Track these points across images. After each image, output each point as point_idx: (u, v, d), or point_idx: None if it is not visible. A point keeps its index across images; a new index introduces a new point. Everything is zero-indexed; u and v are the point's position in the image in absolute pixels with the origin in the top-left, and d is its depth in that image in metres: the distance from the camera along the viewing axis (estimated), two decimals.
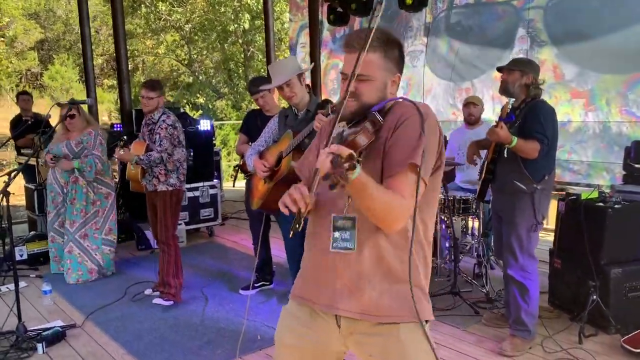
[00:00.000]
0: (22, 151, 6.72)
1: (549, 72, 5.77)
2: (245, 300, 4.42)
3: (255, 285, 4.58)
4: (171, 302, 4.31)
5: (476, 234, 4.85)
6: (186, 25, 16.91)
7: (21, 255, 5.38)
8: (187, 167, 6.11)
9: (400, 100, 1.69)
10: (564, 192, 4.02)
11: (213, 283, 4.84)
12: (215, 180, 6.49)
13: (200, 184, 6.28)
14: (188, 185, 6.13)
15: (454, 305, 4.08)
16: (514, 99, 3.33)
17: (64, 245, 4.97)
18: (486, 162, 3.51)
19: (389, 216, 1.55)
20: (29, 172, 6.63)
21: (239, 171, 4.88)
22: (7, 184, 3.69)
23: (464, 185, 4.88)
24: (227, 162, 12.81)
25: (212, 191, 6.37)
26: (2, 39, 20.07)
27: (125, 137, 4.38)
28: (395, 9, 7.00)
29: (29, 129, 6.56)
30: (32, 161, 6.42)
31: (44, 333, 3.69)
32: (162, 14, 16.89)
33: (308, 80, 4.87)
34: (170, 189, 4.26)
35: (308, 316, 1.77)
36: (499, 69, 3.52)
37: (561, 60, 5.71)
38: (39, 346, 3.53)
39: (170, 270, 4.34)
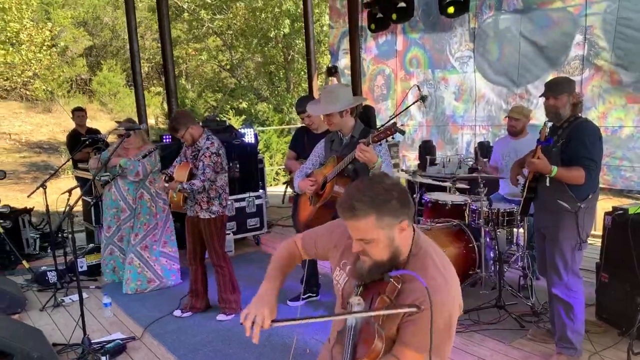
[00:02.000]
0: (78, 165, 7.06)
1: (606, 77, 5.71)
2: (293, 312, 4.57)
3: (303, 297, 4.72)
4: (233, 315, 4.48)
5: (521, 243, 4.86)
6: (228, 31, 17.24)
7: (81, 267, 5.70)
8: (234, 178, 6.40)
9: (411, 274, 1.65)
10: (612, 207, 3.97)
11: None
12: (260, 191, 6.67)
13: (247, 194, 6.47)
14: (235, 197, 6.36)
15: (499, 319, 4.11)
16: (551, 122, 3.33)
17: (126, 257, 5.25)
18: (527, 180, 3.53)
19: None
20: (84, 184, 6.97)
21: (288, 187, 5.03)
22: (71, 207, 3.95)
23: (508, 197, 4.89)
24: (270, 167, 13.07)
25: (257, 201, 6.56)
26: (54, 48, 20.90)
27: (170, 171, 4.45)
28: (437, 14, 7.03)
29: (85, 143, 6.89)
30: (88, 175, 6.77)
31: (107, 346, 3.93)
32: (205, 21, 17.27)
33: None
34: (214, 216, 4.36)
35: None
36: (544, 96, 3.49)
37: (619, 66, 5.63)
38: (103, 359, 3.78)
39: (227, 288, 4.52)
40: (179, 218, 6.53)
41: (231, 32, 17.46)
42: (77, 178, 7.21)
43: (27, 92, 21.75)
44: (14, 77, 19.31)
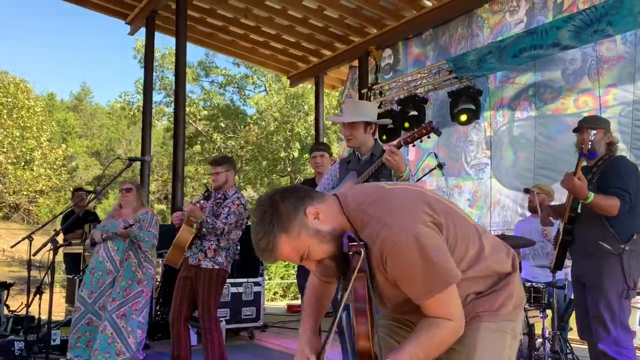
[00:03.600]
0: (71, 242, 6.70)
1: None
2: None
3: None
4: None
5: (547, 335, 4.32)
6: (240, 151, 17.70)
7: (54, 340, 5.08)
8: (233, 260, 6.00)
9: (370, 219, 1.48)
10: None
11: None
12: (259, 278, 6.20)
13: (245, 280, 6.00)
14: (231, 280, 5.88)
15: None
16: (595, 132, 3.10)
17: (100, 325, 4.67)
18: (563, 223, 3.21)
19: (447, 345, 1.50)
20: (72, 262, 6.57)
21: None
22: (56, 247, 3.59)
23: (534, 276, 4.45)
24: (267, 286, 12.52)
25: (256, 288, 6.06)
26: (65, 168, 21.38)
27: (207, 191, 4.13)
28: (451, 125, 7.17)
29: (80, 224, 6.62)
30: (78, 249, 6.39)
31: None
32: (217, 142, 17.84)
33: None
34: (217, 267, 3.97)
35: None
36: (578, 129, 3.34)
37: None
38: None
39: (216, 358, 3.92)
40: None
41: (243, 153, 17.91)
42: (66, 255, 6.80)
43: (31, 210, 21.73)
44: (22, 191, 19.47)
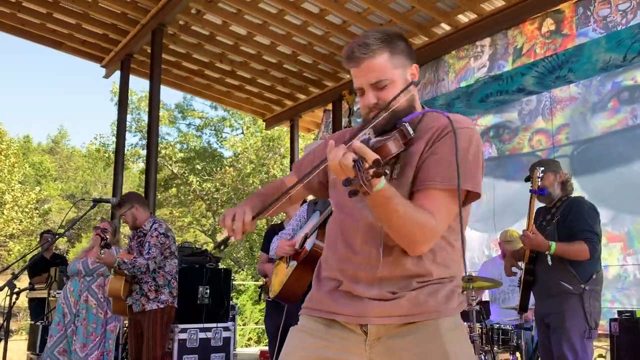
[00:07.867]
0: (35, 287, 6.52)
1: None
2: None
3: None
4: None
5: None
6: (215, 194, 17.60)
7: None
8: (202, 305, 5.90)
9: (433, 112, 1.58)
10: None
11: None
12: (229, 323, 6.06)
13: (214, 325, 5.86)
14: (200, 325, 5.74)
15: None
16: (543, 168, 3.17)
17: None
18: (524, 264, 3.24)
19: (415, 237, 1.43)
20: (37, 308, 6.38)
21: (262, 291, 4.56)
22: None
23: (502, 319, 4.46)
24: (240, 331, 12.24)
25: (225, 334, 5.91)
26: (37, 211, 20.97)
27: (107, 237, 4.01)
28: None
29: (46, 268, 6.48)
30: (43, 294, 6.21)
31: None
32: (193, 185, 17.76)
33: None
34: (162, 306, 3.90)
35: (324, 327, 1.57)
36: (529, 179, 3.42)
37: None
38: None
39: None
40: None
41: (218, 195, 17.81)
42: (30, 300, 6.61)
43: (1, 254, 21.15)
44: None
